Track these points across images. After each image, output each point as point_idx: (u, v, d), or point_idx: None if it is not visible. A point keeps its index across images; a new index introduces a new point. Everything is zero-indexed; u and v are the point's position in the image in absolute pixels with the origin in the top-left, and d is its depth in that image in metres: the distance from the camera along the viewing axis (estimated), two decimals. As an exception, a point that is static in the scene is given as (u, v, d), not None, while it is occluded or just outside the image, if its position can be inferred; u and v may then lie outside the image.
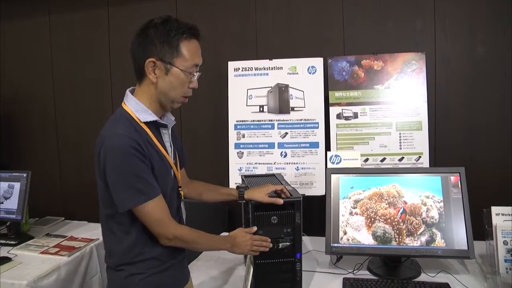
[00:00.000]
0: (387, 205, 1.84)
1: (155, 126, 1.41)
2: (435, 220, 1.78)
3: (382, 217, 1.83)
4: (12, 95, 3.58)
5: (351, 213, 1.87)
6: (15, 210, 2.52)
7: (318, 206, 2.42)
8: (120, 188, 1.30)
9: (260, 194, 1.61)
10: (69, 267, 2.21)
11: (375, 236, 1.82)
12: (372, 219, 1.84)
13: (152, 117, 1.37)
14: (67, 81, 3.41)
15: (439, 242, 1.76)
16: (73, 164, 3.38)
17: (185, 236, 1.41)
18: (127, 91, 1.42)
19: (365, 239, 1.83)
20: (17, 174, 2.59)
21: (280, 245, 1.61)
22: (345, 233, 1.85)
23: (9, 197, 2.55)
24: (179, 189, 1.55)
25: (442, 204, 1.79)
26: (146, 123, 1.37)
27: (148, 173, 1.32)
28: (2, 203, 2.55)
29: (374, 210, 1.84)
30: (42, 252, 2.31)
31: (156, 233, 1.36)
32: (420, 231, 1.78)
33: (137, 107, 1.37)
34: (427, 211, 1.80)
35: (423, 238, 1.78)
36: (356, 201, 1.87)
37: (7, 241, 2.47)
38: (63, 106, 3.45)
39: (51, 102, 3.47)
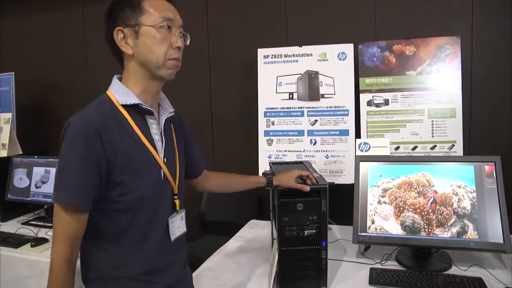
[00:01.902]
0: (417, 194, 1.80)
1: (138, 113, 1.21)
2: (467, 211, 1.73)
3: (411, 207, 1.79)
4: (49, 86, 3.72)
5: (379, 202, 1.84)
6: (51, 194, 2.61)
7: (348, 194, 2.35)
8: (56, 175, 1.13)
9: (287, 179, 1.59)
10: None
11: (403, 226, 1.79)
12: (401, 208, 1.80)
13: (133, 99, 1.18)
14: (100, 71, 3.46)
15: (472, 234, 1.71)
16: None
17: (55, 273, 1.10)
18: (114, 77, 1.26)
19: (393, 228, 1.80)
20: (53, 159, 2.67)
21: (306, 232, 1.60)
22: (373, 222, 1.83)
23: (46, 182, 2.65)
24: (174, 197, 1.30)
25: (475, 194, 1.74)
26: (126, 107, 1.18)
27: (89, 172, 1.08)
28: (40, 187, 2.66)
29: (403, 199, 1.81)
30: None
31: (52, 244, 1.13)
32: (451, 222, 1.74)
33: (119, 89, 1.20)
34: (458, 201, 1.75)
35: (454, 230, 1.73)
36: (385, 190, 1.84)
37: (45, 223, 2.58)
38: (97, 93, 3.51)
39: (86, 91, 3.57)
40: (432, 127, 2.44)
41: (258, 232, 2.38)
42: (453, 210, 1.75)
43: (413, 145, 2.46)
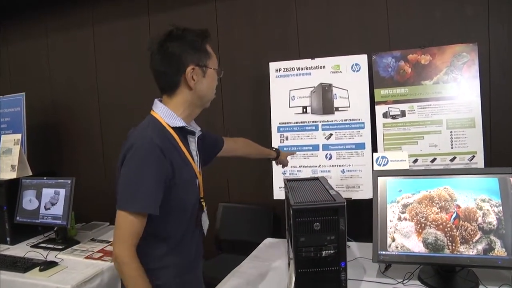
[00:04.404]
0: (439, 210, 1.72)
1: (182, 133, 1.44)
2: (493, 226, 1.64)
3: (434, 223, 1.71)
4: (59, 104, 3.72)
5: (399, 219, 1.76)
6: (61, 215, 2.59)
7: (366, 210, 2.31)
8: (124, 184, 1.30)
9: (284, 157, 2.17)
10: (112, 272, 2.23)
11: (426, 244, 1.71)
12: (423, 224, 1.72)
13: (180, 122, 1.40)
14: (111, 89, 3.51)
15: (499, 251, 1.62)
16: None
17: (127, 267, 1.29)
18: (156, 100, 1.46)
19: (415, 246, 1.72)
20: (62, 180, 2.65)
21: (324, 253, 1.53)
22: (393, 240, 1.75)
23: (56, 203, 2.62)
24: (201, 200, 1.52)
25: (500, 208, 1.65)
26: (174, 128, 1.40)
27: (158, 186, 1.30)
28: (49, 209, 2.63)
29: (424, 215, 1.73)
30: (87, 257, 2.37)
31: (114, 246, 1.31)
32: (476, 238, 1.65)
33: (166, 113, 1.41)
34: (483, 216, 1.66)
35: (480, 246, 1.64)
36: (405, 206, 1.77)
37: (54, 246, 2.55)
38: (108, 114, 3.55)
39: (97, 110, 3.57)
40: (451, 138, 2.36)
41: (273, 251, 2.31)
42: (478, 225, 1.66)
43: (432, 157, 2.39)
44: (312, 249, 1.53)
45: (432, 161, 2.38)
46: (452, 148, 2.36)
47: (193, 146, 1.50)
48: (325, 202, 1.53)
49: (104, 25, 3.47)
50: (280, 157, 2.16)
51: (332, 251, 1.53)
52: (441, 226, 1.70)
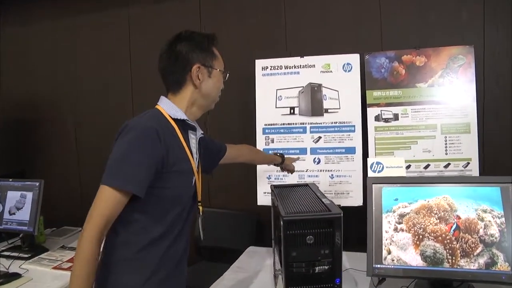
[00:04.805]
0: (438, 220, 1.61)
1: (183, 127, 1.45)
2: (496, 238, 1.54)
3: (432, 234, 1.60)
4: (29, 101, 3.50)
5: (395, 229, 1.65)
6: (27, 221, 2.40)
7: (355, 218, 2.22)
8: (112, 160, 1.26)
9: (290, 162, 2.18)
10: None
11: (424, 257, 1.60)
12: (420, 236, 1.61)
13: (182, 115, 1.42)
14: (87, 86, 3.32)
15: (502, 266, 1.52)
16: (93, 172, 3.26)
17: (85, 246, 1.19)
18: (162, 96, 1.48)
19: (413, 259, 1.61)
20: (30, 183, 2.46)
21: (317, 269, 1.41)
22: (389, 252, 1.64)
23: (21, 208, 2.43)
24: (199, 204, 1.51)
25: (503, 219, 1.55)
26: (176, 121, 1.41)
27: (147, 166, 1.27)
28: (14, 213, 2.44)
29: (422, 226, 1.62)
30: (55, 267, 2.19)
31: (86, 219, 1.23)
32: (478, 251, 1.55)
33: (170, 106, 1.43)
34: (485, 228, 1.56)
35: (482, 260, 1.54)
36: (402, 215, 1.65)
37: (20, 254, 2.35)
38: (83, 112, 3.36)
39: (70, 108, 3.38)
40: (446, 144, 2.28)
41: (257, 261, 2.18)
42: (479, 237, 1.56)
43: (426, 163, 2.30)
44: (304, 264, 1.40)
45: (426, 167, 2.29)
46: (446, 154, 2.27)
47: (193, 143, 1.50)
48: (319, 213, 1.41)
49: (85, 17, 3.27)
50: (285, 162, 2.15)
51: (326, 267, 1.41)
52: (440, 238, 1.59)
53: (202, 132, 1.56)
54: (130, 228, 1.33)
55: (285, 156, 2.16)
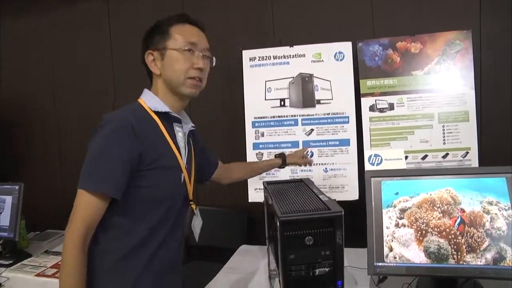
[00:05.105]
0: (441, 214, 1.52)
1: (167, 121, 1.37)
2: (503, 232, 1.46)
3: (436, 229, 1.51)
4: (9, 100, 3.33)
5: (397, 225, 1.56)
6: (7, 227, 2.27)
7: (351, 212, 2.14)
8: (85, 161, 1.20)
9: (296, 157, 1.99)
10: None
11: (427, 253, 1.51)
12: (423, 231, 1.52)
13: (164, 107, 1.34)
14: (68, 85, 3.18)
15: (512, 261, 1.44)
16: (76, 173, 3.12)
17: (69, 254, 1.13)
18: (145, 89, 1.41)
19: (416, 256, 1.52)
20: (8, 186, 2.33)
21: (317, 271, 1.31)
22: (391, 249, 1.55)
23: (1, 213, 2.29)
24: (190, 203, 1.44)
25: (510, 211, 1.47)
26: (157, 113, 1.33)
27: (122, 165, 1.18)
28: (-8, 219, 2.31)
29: (425, 220, 1.53)
30: (38, 274, 2.06)
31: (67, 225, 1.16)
32: (484, 246, 1.46)
33: (151, 98, 1.36)
34: (491, 221, 1.47)
35: (489, 255, 1.45)
36: (403, 210, 1.56)
37: (0, 261, 2.22)
38: (65, 112, 3.22)
39: (52, 107, 3.22)
40: (444, 133, 2.20)
41: (251, 261, 2.08)
42: (485, 231, 1.47)
43: (423, 154, 2.22)
44: (303, 267, 1.30)
45: (423, 158, 2.21)
46: (444, 143, 2.20)
47: (181, 137, 1.40)
48: (319, 212, 1.31)
49: (62, 11, 3.11)
50: (288, 161, 1.98)
51: (327, 269, 1.31)
52: (444, 233, 1.50)
53: (193, 125, 1.48)
54: (110, 233, 1.24)
55: (288, 153, 2.02)
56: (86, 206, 1.15)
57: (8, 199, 2.30)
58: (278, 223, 1.29)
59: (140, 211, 1.26)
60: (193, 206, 1.45)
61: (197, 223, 1.50)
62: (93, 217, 1.16)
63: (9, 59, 3.32)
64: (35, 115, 3.28)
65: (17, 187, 2.31)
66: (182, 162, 1.37)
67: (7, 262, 2.21)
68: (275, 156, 2.00)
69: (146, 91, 1.40)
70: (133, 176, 1.21)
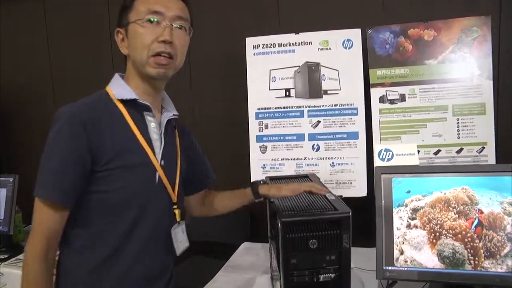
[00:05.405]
0: (456, 215, 1.41)
1: (136, 109, 1.18)
2: (526, 236, 1.35)
3: (450, 232, 1.40)
4: (5, 89, 3.24)
5: (408, 226, 1.45)
6: (1, 220, 2.21)
7: (358, 209, 2.03)
8: (41, 167, 1.07)
9: (277, 190, 1.36)
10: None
11: (441, 257, 1.40)
12: (437, 234, 1.41)
13: (130, 94, 1.16)
14: (67, 73, 3.06)
15: (536, 268, 1.32)
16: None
17: (29, 267, 1.04)
18: (115, 74, 1.25)
19: (429, 260, 1.41)
20: (3, 178, 2.26)
21: (321, 277, 1.21)
22: (401, 252, 1.44)
23: (-8, 206, 2.24)
24: (174, 207, 1.23)
25: (534, 214, 1.35)
26: (123, 102, 1.16)
27: (71, 166, 1.04)
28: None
29: (439, 221, 1.42)
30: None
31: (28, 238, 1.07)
32: (505, 251, 1.35)
33: (117, 84, 1.20)
34: (512, 224, 1.36)
35: (510, 262, 1.34)
36: (415, 210, 1.45)
37: (-5, 257, 2.16)
38: (64, 101, 3.06)
39: (51, 96, 3.11)
40: (458, 127, 2.08)
41: (253, 260, 2.00)
42: (506, 235, 1.35)
43: (436, 149, 2.10)
44: (306, 272, 1.21)
45: (436, 153, 2.10)
46: (459, 138, 2.08)
47: (154, 128, 1.20)
48: (324, 213, 1.21)
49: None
50: (261, 191, 1.41)
51: (332, 275, 1.21)
52: (459, 235, 1.39)
53: (176, 114, 1.30)
54: (71, 247, 1.12)
55: (265, 185, 1.44)
56: (42, 217, 1.05)
57: (3, 192, 2.24)
58: (279, 224, 1.19)
59: (102, 221, 1.10)
60: (176, 212, 1.24)
61: (180, 235, 1.27)
62: (51, 229, 1.05)
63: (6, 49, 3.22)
64: (32, 103, 3.18)
65: (11, 179, 2.24)
66: (155, 158, 1.17)
67: (2, 257, 2.15)
68: (251, 184, 1.46)
69: (115, 76, 1.24)
70: (89, 179, 1.06)
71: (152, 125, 1.19)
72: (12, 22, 3.15)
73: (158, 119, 1.23)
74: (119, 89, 1.17)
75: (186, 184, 1.36)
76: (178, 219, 1.24)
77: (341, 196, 2.13)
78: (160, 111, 1.27)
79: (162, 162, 1.19)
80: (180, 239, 1.26)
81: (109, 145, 1.07)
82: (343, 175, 2.21)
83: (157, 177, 1.17)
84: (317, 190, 1.33)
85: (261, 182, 1.45)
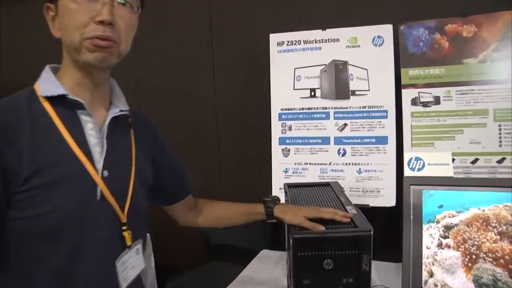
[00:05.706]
0: (497, 237, 1.25)
1: (68, 108, 0.97)
2: None
3: (490, 255, 1.25)
4: (5, 89, 3.21)
5: (440, 245, 1.30)
6: None
7: (385, 220, 1.97)
8: None
9: (294, 214, 1.21)
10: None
11: (478, 284, 1.24)
12: (473, 256, 1.26)
13: (58, 90, 0.95)
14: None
15: None
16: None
17: None
18: (46, 66, 1.05)
19: (463, 286, 1.26)
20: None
21: (337, 303, 1.08)
22: (431, 274, 1.30)
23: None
24: (123, 228, 1.00)
25: None
26: (50, 100, 0.95)
27: None
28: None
29: (476, 242, 1.27)
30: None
31: None
32: (555, 279, 1.19)
33: (46, 78, 1.00)
34: None
35: (562, 293, 1.18)
36: (448, 228, 1.31)
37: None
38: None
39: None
40: (500, 134, 1.90)
41: (270, 270, 1.89)
42: (556, 261, 1.19)
43: (473, 158, 1.93)
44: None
45: (473, 162, 1.92)
46: (500, 146, 1.90)
47: (91, 130, 0.98)
48: (342, 229, 1.08)
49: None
50: (277, 214, 1.31)
51: (350, 301, 1.08)
52: (501, 260, 1.23)
53: (123, 109, 1.08)
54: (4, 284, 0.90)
55: (283, 205, 1.36)
56: None
57: None
58: (291, 241, 1.08)
59: (25, 260, 0.89)
60: (126, 235, 1.00)
61: (129, 262, 1.03)
62: None
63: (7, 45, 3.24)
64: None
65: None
66: (93, 168, 0.95)
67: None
68: (263, 201, 1.35)
69: (45, 68, 1.04)
70: (8, 203, 0.84)
71: (89, 126, 0.98)
72: (12, 22, 3.16)
73: (103, 118, 1.02)
74: (45, 84, 0.97)
75: (158, 193, 1.23)
76: (128, 243, 1.01)
77: (367, 205, 2.01)
78: (107, 108, 1.07)
79: (105, 173, 0.98)
80: (131, 266, 1.03)
81: (27, 158, 0.85)
82: (371, 183, 2.07)
83: (98, 193, 0.95)
84: (340, 218, 1.17)
85: (277, 201, 1.33)
